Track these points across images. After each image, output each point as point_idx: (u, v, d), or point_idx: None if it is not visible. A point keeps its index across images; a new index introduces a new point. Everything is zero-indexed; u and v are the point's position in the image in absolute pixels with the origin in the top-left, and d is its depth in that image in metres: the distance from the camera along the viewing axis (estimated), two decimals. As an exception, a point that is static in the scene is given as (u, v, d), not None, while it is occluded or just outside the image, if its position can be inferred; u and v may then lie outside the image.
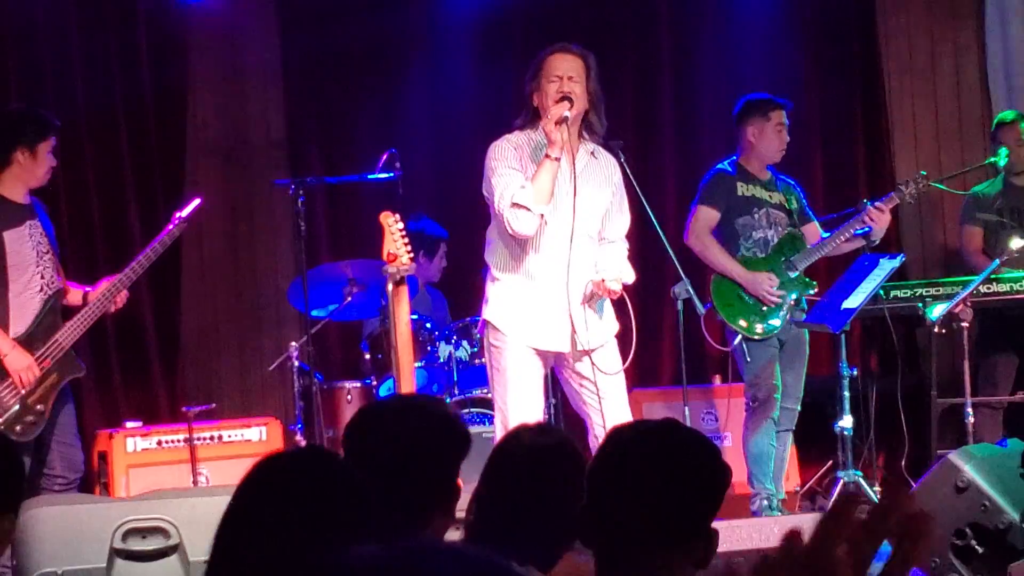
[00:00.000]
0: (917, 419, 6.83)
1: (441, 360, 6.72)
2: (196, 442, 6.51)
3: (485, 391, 6.21)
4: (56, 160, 5.74)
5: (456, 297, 7.45)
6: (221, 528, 1.96)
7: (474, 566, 1.03)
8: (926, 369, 7.18)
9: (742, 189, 6.41)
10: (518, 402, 5.05)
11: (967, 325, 6.49)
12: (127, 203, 7.44)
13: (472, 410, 6.50)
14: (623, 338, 5.30)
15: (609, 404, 5.07)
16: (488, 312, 5.17)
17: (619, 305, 5.23)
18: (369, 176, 6.31)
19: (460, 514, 2.97)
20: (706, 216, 6.38)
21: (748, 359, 6.26)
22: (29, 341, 5.55)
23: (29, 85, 7.12)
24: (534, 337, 5.10)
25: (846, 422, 6.08)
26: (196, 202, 5.91)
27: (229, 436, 6.69)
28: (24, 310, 5.59)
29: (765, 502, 6.18)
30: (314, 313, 6.40)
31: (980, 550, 4.25)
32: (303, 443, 6.26)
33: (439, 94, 7.98)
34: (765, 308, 6.29)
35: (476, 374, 6.64)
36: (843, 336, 6.08)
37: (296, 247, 6.65)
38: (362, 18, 7.84)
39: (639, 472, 2.28)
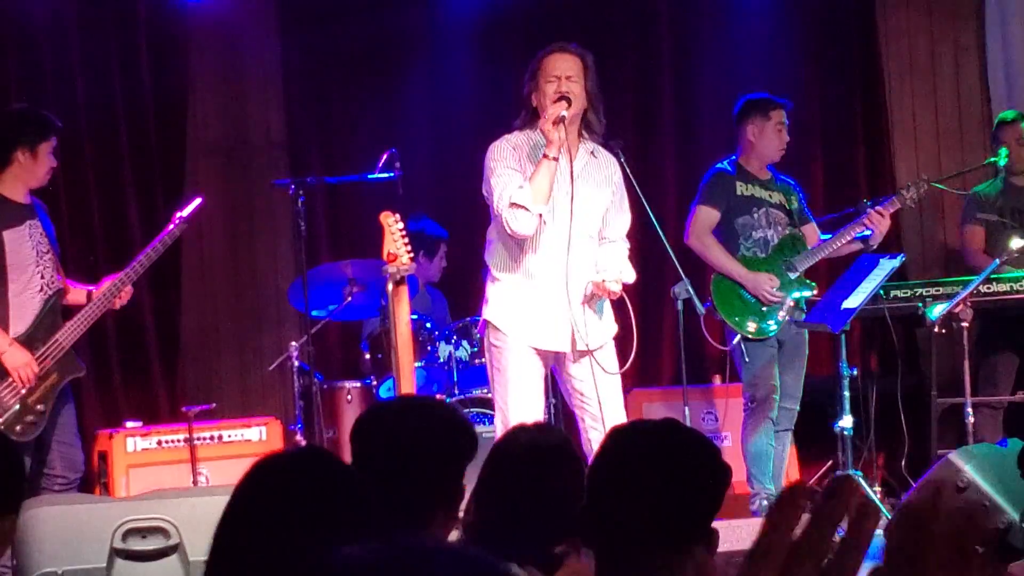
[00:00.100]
0: (917, 419, 6.82)
1: (441, 360, 6.72)
2: (196, 442, 6.51)
3: (485, 391, 6.21)
4: (57, 161, 5.74)
5: (456, 297, 7.44)
6: (220, 528, 1.96)
7: (464, 565, 1.03)
8: (926, 369, 7.18)
9: (742, 189, 6.41)
10: (518, 402, 5.05)
11: (967, 325, 6.49)
12: (127, 203, 7.44)
13: (472, 410, 6.49)
14: (623, 339, 5.30)
15: (605, 406, 5.06)
16: (488, 312, 5.17)
17: (619, 306, 5.23)
18: (369, 176, 6.31)
19: (459, 514, 2.98)
20: (706, 216, 6.38)
21: (747, 359, 6.26)
22: (29, 341, 5.55)
23: (29, 85, 7.12)
24: (534, 337, 5.10)
25: (846, 422, 6.08)
26: (197, 202, 5.91)
27: (229, 436, 6.69)
28: (24, 310, 5.58)
29: (765, 502, 6.18)
30: (314, 313, 6.40)
31: (980, 550, 4.24)
32: (303, 443, 6.25)
33: (439, 94, 7.97)
34: (764, 308, 6.29)
35: (476, 374, 6.64)
36: (843, 336, 6.08)
37: (296, 247, 6.65)
38: (362, 18, 7.84)
39: (639, 472, 2.28)
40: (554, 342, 5.11)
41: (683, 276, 5.77)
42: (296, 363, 6.49)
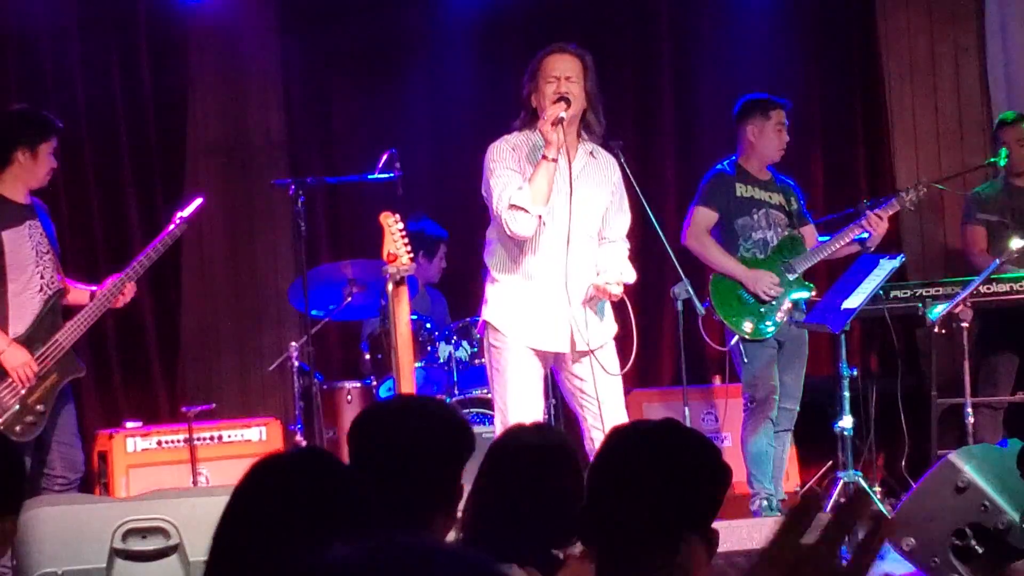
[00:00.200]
0: (917, 419, 6.82)
1: (441, 360, 6.72)
2: (196, 442, 6.51)
3: (485, 391, 6.21)
4: (57, 161, 5.74)
5: (456, 298, 7.44)
6: (220, 528, 1.96)
7: (457, 564, 1.03)
8: (926, 369, 7.17)
9: (741, 190, 6.41)
10: (518, 402, 5.05)
11: (967, 325, 6.49)
12: (127, 203, 7.44)
13: (472, 410, 6.50)
14: (623, 339, 5.30)
15: (605, 407, 5.06)
16: (487, 313, 5.17)
17: (619, 307, 5.23)
18: (369, 176, 6.30)
19: (458, 514, 2.97)
20: (704, 217, 6.39)
21: (746, 359, 6.26)
22: (29, 341, 5.55)
23: (29, 85, 7.12)
24: (533, 338, 5.10)
25: (846, 422, 6.08)
26: (198, 202, 5.90)
27: (229, 436, 6.69)
28: (24, 310, 5.58)
29: (765, 502, 6.18)
30: (314, 313, 6.40)
31: (980, 550, 4.24)
32: (303, 443, 6.25)
33: (439, 94, 7.97)
34: (762, 309, 6.29)
35: (476, 374, 6.64)
36: (843, 336, 6.08)
37: (296, 247, 6.65)
38: (362, 18, 7.84)
39: (639, 472, 2.28)
40: (554, 343, 5.11)
41: (683, 276, 5.77)
42: (296, 363, 6.49)
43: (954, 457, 4.48)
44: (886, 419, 6.91)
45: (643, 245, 6.52)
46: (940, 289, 6.63)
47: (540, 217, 4.99)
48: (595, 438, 4.99)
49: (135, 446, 6.56)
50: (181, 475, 6.42)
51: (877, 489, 6.58)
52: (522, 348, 5.09)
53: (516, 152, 5.12)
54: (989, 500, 4.26)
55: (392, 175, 6.20)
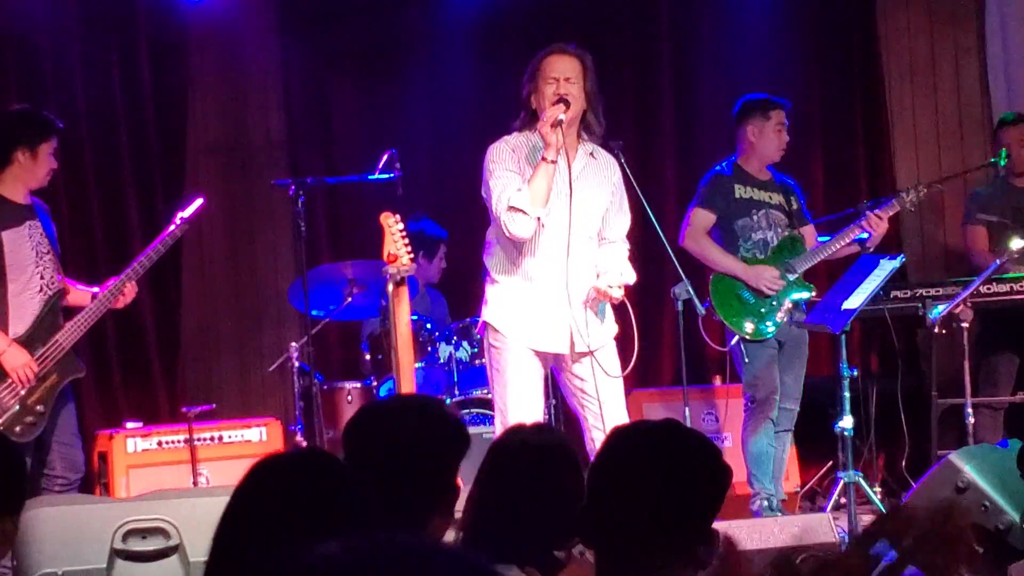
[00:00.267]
0: (917, 420, 6.82)
1: (441, 361, 6.72)
2: (196, 443, 6.51)
3: (485, 392, 6.21)
4: (57, 162, 5.74)
5: (456, 298, 7.44)
6: (220, 529, 1.96)
7: (443, 563, 1.02)
8: (926, 370, 7.18)
9: (740, 191, 6.41)
10: (518, 403, 5.04)
11: (967, 326, 6.49)
12: (127, 203, 7.44)
13: (472, 411, 6.50)
14: (624, 341, 5.29)
15: (606, 408, 5.06)
16: (487, 313, 5.17)
17: (619, 308, 5.23)
18: (369, 176, 6.30)
19: (458, 514, 2.97)
20: (702, 218, 6.39)
21: (747, 359, 6.26)
22: (29, 342, 5.54)
23: (29, 85, 7.12)
24: (533, 339, 5.09)
25: (846, 423, 6.08)
26: (199, 202, 5.90)
27: (229, 437, 6.69)
28: (24, 310, 5.58)
29: (765, 502, 6.18)
30: (314, 313, 6.40)
31: (980, 551, 4.24)
32: (303, 444, 6.26)
33: (439, 94, 7.97)
34: (763, 309, 6.29)
35: (476, 375, 6.64)
36: (843, 337, 6.08)
37: (296, 247, 6.65)
38: (362, 18, 7.84)
39: (639, 472, 2.28)
40: (553, 344, 5.11)
41: (683, 276, 5.77)
42: (296, 363, 6.49)
43: (954, 457, 4.47)
44: (886, 419, 6.91)
45: (643, 245, 6.51)
46: (940, 289, 6.63)
47: (539, 219, 4.99)
48: (596, 438, 4.99)
49: (135, 446, 6.56)
50: (181, 475, 6.42)
51: (877, 489, 6.59)
52: (522, 349, 5.09)
53: (516, 153, 5.11)
54: (989, 500, 4.25)
55: (392, 175, 6.20)
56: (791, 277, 6.36)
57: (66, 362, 5.62)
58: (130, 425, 6.69)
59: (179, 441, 6.59)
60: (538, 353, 5.12)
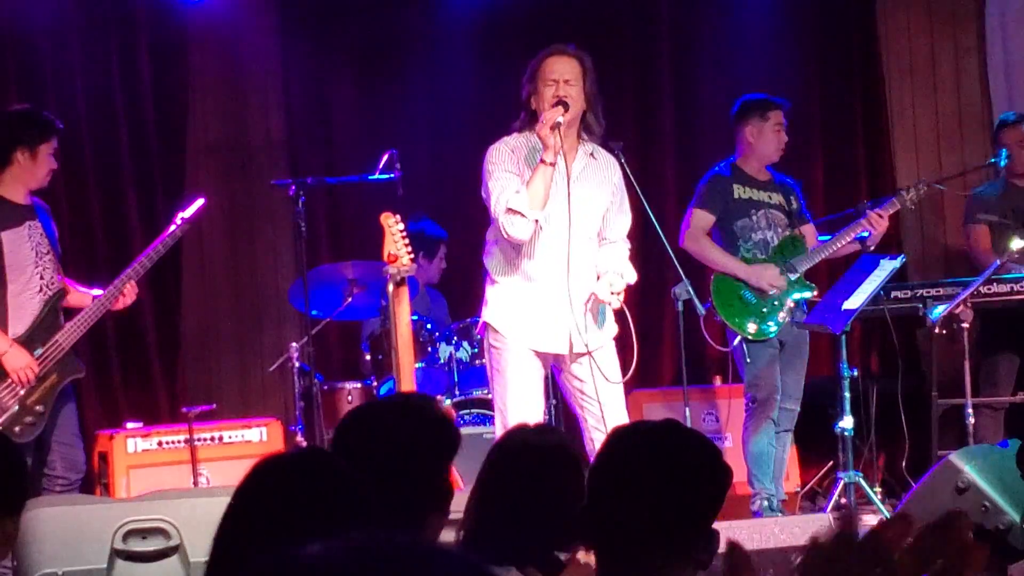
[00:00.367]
0: (918, 420, 6.82)
1: (442, 361, 6.72)
2: (196, 443, 6.51)
3: (485, 392, 6.20)
4: (57, 163, 5.73)
5: (456, 298, 7.44)
6: (221, 529, 1.96)
7: (438, 563, 1.02)
8: (926, 370, 7.18)
9: (739, 192, 6.41)
10: (518, 403, 5.04)
11: (967, 326, 6.49)
12: (127, 203, 7.44)
13: (472, 411, 6.50)
14: (623, 345, 5.29)
15: (606, 407, 5.06)
16: (487, 314, 5.17)
17: (619, 313, 5.22)
18: (369, 176, 6.30)
19: (458, 514, 2.97)
20: (701, 219, 6.39)
21: (748, 359, 6.26)
22: (28, 342, 5.54)
23: (29, 85, 7.12)
24: (533, 339, 5.10)
25: (847, 423, 6.08)
26: (199, 202, 5.90)
27: (229, 437, 6.68)
28: (23, 311, 5.58)
29: (765, 502, 6.18)
30: (314, 313, 6.40)
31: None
32: (304, 444, 6.25)
33: (439, 94, 7.97)
34: (765, 309, 6.29)
35: (476, 375, 6.64)
36: (843, 337, 6.08)
37: (296, 247, 6.65)
38: (362, 18, 7.84)
39: (640, 472, 2.28)
40: (553, 344, 5.11)
41: (683, 277, 5.77)
42: (296, 364, 6.49)
43: (954, 457, 4.47)
44: (886, 419, 6.91)
45: (643, 245, 6.52)
46: (940, 289, 6.63)
47: (537, 221, 4.99)
48: (595, 438, 4.99)
49: (135, 447, 6.56)
50: (181, 476, 6.42)
51: (877, 489, 6.58)
52: (522, 349, 5.09)
53: (515, 154, 5.11)
54: (989, 501, 4.25)
55: (392, 175, 6.20)
56: (792, 277, 6.36)
57: (66, 362, 5.62)
58: (130, 425, 6.69)
59: (179, 441, 6.59)
60: (538, 353, 5.12)
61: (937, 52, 8.25)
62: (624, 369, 5.23)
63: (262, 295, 7.80)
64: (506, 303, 5.12)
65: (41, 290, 5.63)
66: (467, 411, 6.49)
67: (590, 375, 5.10)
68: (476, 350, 6.64)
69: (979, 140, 8.07)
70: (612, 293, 5.02)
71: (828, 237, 6.50)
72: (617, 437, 2.47)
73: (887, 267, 6.13)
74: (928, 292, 6.65)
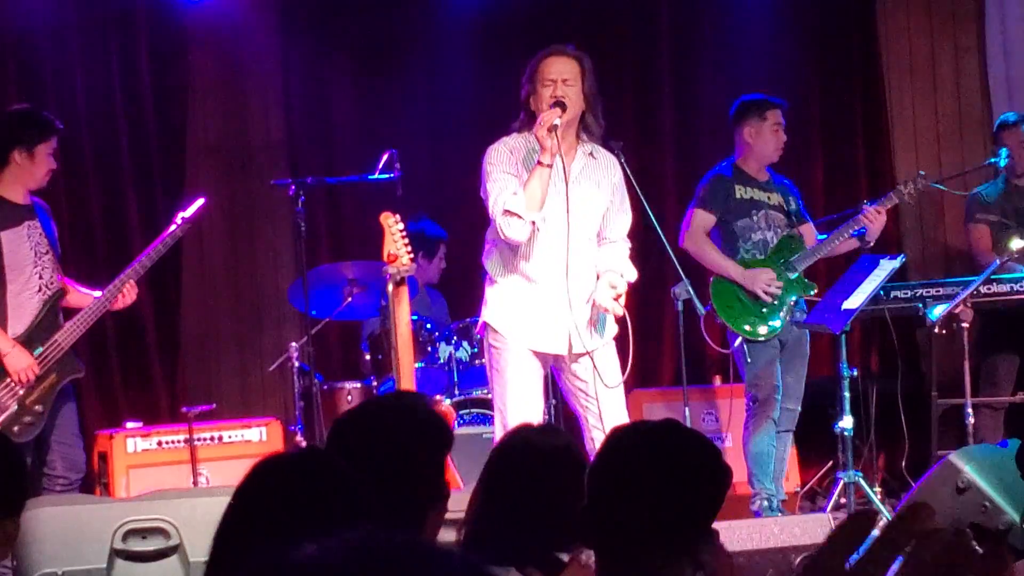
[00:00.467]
0: (917, 420, 6.82)
1: (441, 361, 6.72)
2: (196, 443, 6.51)
3: (485, 392, 6.21)
4: (57, 163, 5.73)
5: (456, 298, 7.44)
6: (220, 529, 1.96)
7: (437, 563, 1.02)
8: (926, 370, 7.18)
9: (740, 192, 6.41)
10: (517, 403, 5.04)
11: (967, 326, 6.49)
12: (127, 203, 7.45)
13: (472, 411, 6.50)
14: (622, 346, 5.29)
15: (606, 407, 5.06)
16: (487, 314, 5.17)
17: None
18: (369, 176, 6.30)
19: (459, 514, 2.96)
20: (701, 220, 6.39)
21: (749, 359, 6.26)
22: (27, 342, 5.54)
23: (29, 85, 7.13)
24: (532, 339, 5.10)
25: (846, 423, 6.08)
26: (200, 202, 5.89)
27: (229, 437, 6.69)
28: (22, 311, 5.58)
29: (765, 502, 6.18)
30: (314, 313, 6.40)
31: (980, 551, 4.24)
32: (303, 444, 6.25)
33: (439, 94, 7.97)
34: (765, 309, 6.29)
35: (476, 375, 6.64)
36: (843, 337, 6.08)
37: (296, 247, 6.65)
38: (362, 18, 7.85)
39: (639, 472, 2.27)
40: (552, 345, 5.11)
41: (683, 277, 5.77)
42: (296, 363, 6.49)
43: (954, 457, 4.47)
44: (886, 419, 6.91)
45: (643, 245, 6.52)
46: (940, 289, 6.63)
47: (533, 223, 4.98)
48: (596, 438, 4.99)
49: (135, 446, 6.56)
50: (181, 475, 6.42)
51: (877, 489, 6.59)
52: (522, 349, 5.09)
53: (514, 155, 5.11)
54: (989, 501, 4.25)
55: (392, 175, 6.20)
56: (791, 276, 6.36)
57: (65, 362, 5.62)
58: (130, 425, 6.70)
59: (179, 441, 6.59)
60: (537, 354, 5.12)
61: (937, 52, 8.25)
62: (623, 368, 5.23)
63: (262, 295, 7.81)
64: (506, 303, 5.12)
65: (40, 290, 5.62)
66: (467, 411, 6.49)
67: (590, 375, 5.10)
68: (476, 350, 6.64)
69: (979, 140, 8.07)
70: (614, 299, 5.02)
71: (826, 236, 6.50)
72: (617, 437, 2.47)
73: (887, 267, 6.13)
74: (928, 292, 6.65)
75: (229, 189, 7.73)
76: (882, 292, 6.37)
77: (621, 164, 5.32)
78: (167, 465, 6.52)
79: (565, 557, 2.77)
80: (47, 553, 4.51)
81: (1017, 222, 7.04)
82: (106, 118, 7.39)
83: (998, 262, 6.47)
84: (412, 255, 5.13)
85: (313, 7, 7.86)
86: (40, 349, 5.55)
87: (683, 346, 6.04)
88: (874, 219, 6.32)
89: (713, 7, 8.21)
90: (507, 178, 5.03)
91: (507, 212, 4.94)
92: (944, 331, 6.44)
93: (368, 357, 6.89)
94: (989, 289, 6.57)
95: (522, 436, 3.16)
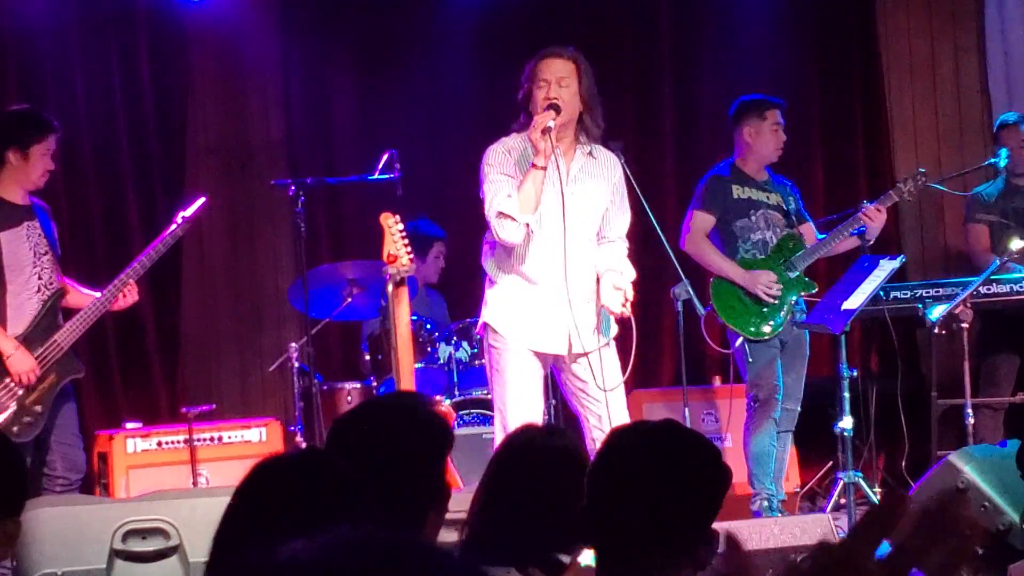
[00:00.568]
0: (917, 420, 6.82)
1: (441, 361, 6.72)
2: (196, 443, 6.51)
3: (485, 392, 6.20)
4: (54, 163, 5.72)
5: (455, 298, 7.44)
6: (220, 529, 1.96)
7: (424, 562, 1.02)
8: (926, 370, 7.18)
9: (738, 192, 6.41)
10: (517, 403, 5.04)
11: (967, 326, 6.49)
12: (127, 203, 7.44)
13: (472, 411, 6.49)
14: (622, 347, 5.29)
15: (607, 412, 5.05)
16: (487, 314, 5.17)
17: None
18: (369, 177, 6.30)
19: (460, 515, 2.96)
20: (701, 221, 6.39)
21: (750, 359, 6.26)
22: (27, 342, 5.54)
23: (29, 85, 7.12)
24: (532, 339, 5.10)
25: (846, 423, 6.08)
26: (200, 201, 5.89)
27: (229, 437, 6.68)
28: (21, 311, 5.58)
29: (765, 503, 6.18)
30: (313, 314, 6.40)
31: (980, 551, 4.25)
32: (303, 444, 6.25)
33: (439, 94, 7.97)
34: (765, 309, 6.29)
35: (476, 375, 6.64)
36: (843, 337, 6.08)
37: (296, 248, 6.65)
38: (362, 18, 7.85)
39: (639, 473, 2.28)
40: (552, 345, 5.10)
41: (683, 277, 5.77)
42: (296, 364, 6.49)
43: (954, 458, 4.48)
44: (886, 420, 6.91)
45: (643, 245, 6.52)
46: (940, 289, 6.63)
47: (528, 225, 4.98)
48: (596, 438, 4.98)
49: (135, 447, 6.56)
50: (181, 476, 6.42)
51: (877, 489, 6.58)
52: (522, 349, 5.09)
53: (511, 156, 5.11)
54: (989, 501, 4.26)
55: (392, 175, 6.20)
56: (791, 275, 6.36)
57: (65, 362, 5.62)
58: (130, 425, 6.69)
59: (179, 441, 6.59)
60: (537, 354, 5.12)
61: (937, 52, 8.25)
62: (623, 368, 5.23)
63: (262, 295, 7.80)
64: (505, 304, 5.12)
65: (39, 290, 5.62)
66: (467, 411, 6.49)
67: (591, 375, 5.10)
68: (475, 350, 6.64)
69: (979, 140, 8.07)
70: (623, 303, 5.01)
71: (826, 235, 6.50)
72: (617, 437, 2.47)
73: (887, 267, 6.13)
74: (928, 292, 6.65)
75: (229, 189, 7.73)
76: (882, 292, 6.37)
77: (621, 164, 5.31)
78: (167, 465, 6.52)
79: (566, 558, 2.77)
80: (47, 553, 4.51)
81: (1017, 222, 7.04)
82: (106, 118, 7.39)
83: (998, 262, 6.47)
84: (412, 255, 5.13)
85: (313, 7, 7.86)
86: (39, 349, 5.55)
87: (683, 346, 6.04)
88: (874, 217, 6.32)
89: (713, 7, 8.20)
90: (503, 180, 5.03)
91: (501, 214, 4.95)
92: (944, 331, 6.44)
93: (368, 357, 6.89)
94: (989, 289, 6.57)
95: (525, 437, 3.15)
